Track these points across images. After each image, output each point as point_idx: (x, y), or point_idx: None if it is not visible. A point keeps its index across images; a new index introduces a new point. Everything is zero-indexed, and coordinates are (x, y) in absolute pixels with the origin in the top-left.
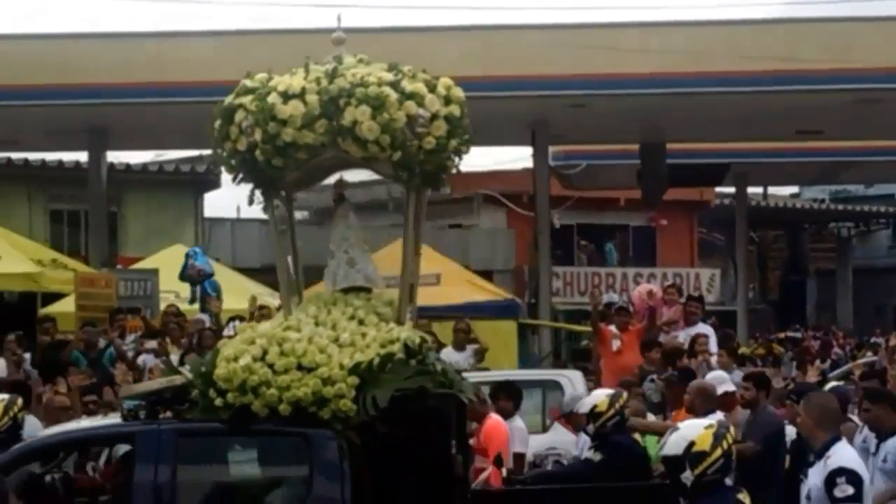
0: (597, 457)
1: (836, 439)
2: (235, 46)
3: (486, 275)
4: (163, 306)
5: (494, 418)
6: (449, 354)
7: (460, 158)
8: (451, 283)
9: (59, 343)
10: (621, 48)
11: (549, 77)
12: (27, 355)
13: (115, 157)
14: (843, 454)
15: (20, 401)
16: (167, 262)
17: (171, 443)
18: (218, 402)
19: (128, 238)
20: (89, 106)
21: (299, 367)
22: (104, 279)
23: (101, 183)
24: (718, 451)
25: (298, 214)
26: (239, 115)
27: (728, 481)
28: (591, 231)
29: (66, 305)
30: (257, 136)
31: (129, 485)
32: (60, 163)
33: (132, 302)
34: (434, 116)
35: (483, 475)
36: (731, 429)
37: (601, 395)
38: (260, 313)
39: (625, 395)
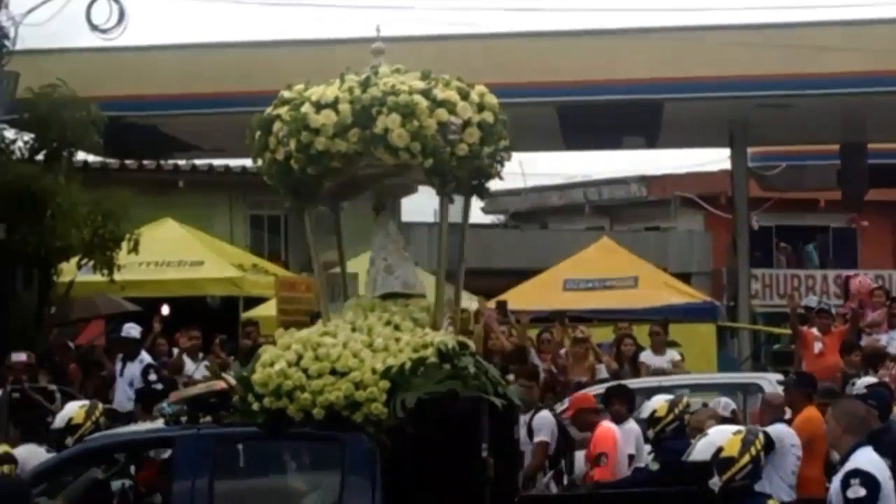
0: (654, 466)
1: (860, 445)
2: (433, 52)
3: (684, 277)
4: None
5: (605, 426)
6: (649, 358)
7: (502, 165)
8: (648, 285)
9: (261, 347)
10: (823, 47)
11: (749, 77)
12: (231, 359)
13: None
14: (862, 458)
15: (101, 406)
16: (365, 267)
17: (210, 447)
18: (255, 406)
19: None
20: None
21: (333, 372)
22: (304, 283)
23: None
24: (746, 458)
25: (493, 218)
26: (276, 126)
27: (758, 487)
28: (791, 233)
29: (268, 309)
30: (292, 145)
31: (169, 488)
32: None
33: None
34: (467, 123)
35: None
36: (761, 436)
37: (660, 400)
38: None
39: (685, 399)
